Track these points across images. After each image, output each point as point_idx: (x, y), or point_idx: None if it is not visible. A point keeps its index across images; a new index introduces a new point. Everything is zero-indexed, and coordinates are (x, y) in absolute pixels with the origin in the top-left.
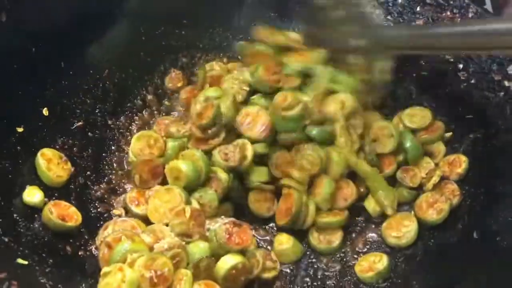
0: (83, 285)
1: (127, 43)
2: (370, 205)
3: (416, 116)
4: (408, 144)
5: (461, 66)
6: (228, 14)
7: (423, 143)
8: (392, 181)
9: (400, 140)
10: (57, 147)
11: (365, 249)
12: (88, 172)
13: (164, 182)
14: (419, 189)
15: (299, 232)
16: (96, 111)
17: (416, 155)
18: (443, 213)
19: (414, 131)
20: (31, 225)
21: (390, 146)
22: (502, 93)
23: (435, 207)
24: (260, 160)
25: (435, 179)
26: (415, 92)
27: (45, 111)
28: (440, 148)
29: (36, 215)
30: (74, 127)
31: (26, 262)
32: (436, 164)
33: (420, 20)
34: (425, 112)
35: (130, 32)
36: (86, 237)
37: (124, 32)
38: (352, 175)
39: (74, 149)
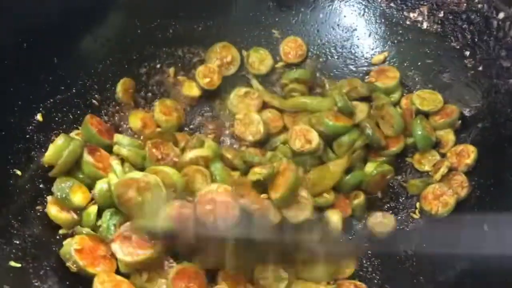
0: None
1: (122, 37)
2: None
3: (427, 99)
4: (418, 133)
5: (467, 53)
6: (225, 4)
7: (439, 128)
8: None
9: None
10: None
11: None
12: None
13: None
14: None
15: None
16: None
17: (424, 145)
18: (448, 207)
19: (427, 116)
20: (24, 227)
21: (390, 132)
22: (511, 80)
23: (441, 200)
24: None
25: (443, 170)
26: (420, 81)
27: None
28: (449, 137)
29: (29, 217)
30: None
31: (19, 265)
32: (444, 155)
33: (425, 7)
34: (435, 95)
35: (125, 25)
36: None
37: (119, 25)
38: None
39: None
